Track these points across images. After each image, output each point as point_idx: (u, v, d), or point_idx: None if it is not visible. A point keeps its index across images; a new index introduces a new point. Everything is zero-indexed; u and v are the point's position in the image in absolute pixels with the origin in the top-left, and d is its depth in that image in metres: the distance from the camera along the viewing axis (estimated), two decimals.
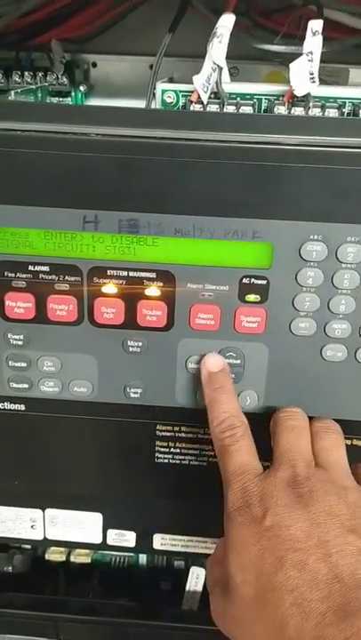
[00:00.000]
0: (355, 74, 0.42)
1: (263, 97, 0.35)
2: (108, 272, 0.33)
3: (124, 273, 0.33)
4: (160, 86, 0.36)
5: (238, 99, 0.35)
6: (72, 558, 0.52)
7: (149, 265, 0.33)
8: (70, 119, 0.30)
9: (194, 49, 0.38)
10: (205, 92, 0.33)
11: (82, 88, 0.44)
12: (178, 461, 0.37)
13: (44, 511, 0.40)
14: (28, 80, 0.42)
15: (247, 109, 0.34)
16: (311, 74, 0.32)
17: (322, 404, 0.35)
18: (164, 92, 0.35)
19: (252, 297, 0.33)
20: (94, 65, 0.45)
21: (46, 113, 0.31)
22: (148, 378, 0.35)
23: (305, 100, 0.33)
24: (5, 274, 0.33)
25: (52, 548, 0.52)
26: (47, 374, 0.36)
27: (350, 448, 0.36)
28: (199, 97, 0.34)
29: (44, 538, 0.41)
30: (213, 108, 0.34)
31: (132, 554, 0.54)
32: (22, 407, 0.37)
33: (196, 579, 0.49)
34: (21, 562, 0.52)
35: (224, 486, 0.31)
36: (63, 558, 0.52)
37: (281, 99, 0.34)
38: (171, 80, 0.42)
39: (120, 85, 0.46)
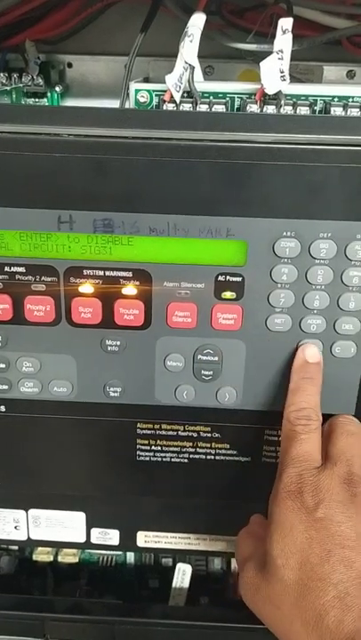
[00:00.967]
0: (329, 71, 0.43)
1: (236, 95, 0.35)
2: (85, 272, 0.33)
3: (101, 272, 0.33)
4: (133, 86, 0.36)
5: (211, 97, 0.35)
6: (59, 558, 0.52)
7: (125, 264, 0.33)
8: (43, 120, 0.30)
9: (169, 48, 0.38)
10: (178, 92, 0.34)
11: (57, 89, 0.44)
12: (159, 459, 0.38)
13: (27, 512, 0.41)
14: (3, 81, 0.42)
15: (220, 108, 0.34)
16: (282, 72, 0.32)
17: None
18: (137, 91, 0.36)
19: (227, 294, 0.33)
20: (69, 65, 0.45)
21: (19, 114, 0.31)
22: (128, 376, 0.35)
23: (277, 98, 0.34)
24: None
25: (40, 549, 0.52)
26: (26, 375, 0.36)
27: None
28: (172, 96, 0.34)
29: (28, 538, 0.41)
30: (186, 107, 0.34)
31: (119, 552, 0.54)
32: (2, 408, 0.37)
33: (182, 575, 0.49)
34: (8, 563, 0.52)
35: (279, 468, 0.32)
36: (50, 559, 0.52)
37: (253, 97, 0.34)
38: (146, 80, 0.42)
39: (96, 85, 0.46)
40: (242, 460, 0.37)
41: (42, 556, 0.52)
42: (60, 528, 0.41)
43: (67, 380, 0.36)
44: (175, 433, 0.37)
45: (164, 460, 0.37)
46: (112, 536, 0.41)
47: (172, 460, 0.37)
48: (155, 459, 0.37)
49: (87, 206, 0.31)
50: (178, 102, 0.34)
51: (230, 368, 0.35)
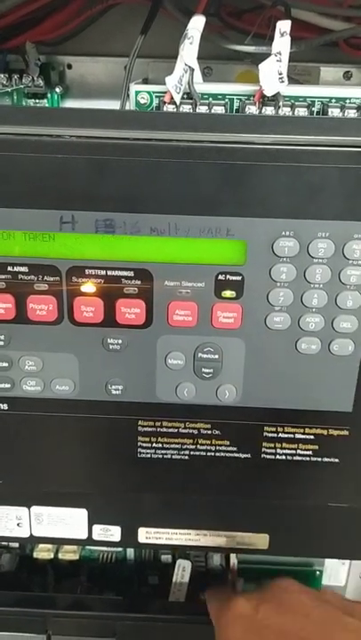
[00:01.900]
0: (326, 72, 0.43)
1: (235, 97, 0.36)
2: (87, 271, 0.33)
3: (102, 272, 0.33)
4: (134, 87, 0.36)
5: (210, 99, 0.35)
6: (60, 556, 0.53)
7: (127, 264, 0.33)
8: (45, 121, 0.31)
9: (168, 50, 0.38)
10: (178, 93, 0.34)
11: (58, 90, 0.44)
12: (160, 456, 0.38)
13: (29, 509, 0.41)
14: (4, 82, 0.42)
15: (219, 109, 0.35)
16: (280, 74, 0.33)
17: (298, 396, 0.36)
18: (137, 93, 0.36)
19: (227, 293, 0.33)
20: (69, 66, 0.46)
21: (21, 115, 0.31)
22: (129, 375, 0.36)
23: (275, 99, 0.34)
24: None
25: (40, 546, 0.52)
26: (29, 374, 0.36)
27: (326, 438, 0.37)
28: (172, 98, 0.34)
29: (31, 535, 0.42)
30: (186, 108, 0.35)
31: (119, 549, 0.55)
32: (5, 407, 0.37)
33: (182, 571, 0.50)
34: (9, 561, 0.53)
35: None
36: (51, 556, 0.52)
37: (252, 98, 0.35)
38: (145, 81, 0.42)
39: (96, 87, 0.46)
40: (242, 456, 0.38)
41: (42, 553, 0.52)
42: (61, 525, 0.41)
43: (69, 378, 0.36)
44: (176, 430, 0.37)
45: (165, 457, 0.38)
46: (114, 532, 0.41)
47: (173, 456, 0.38)
48: (156, 456, 0.38)
49: (89, 207, 0.32)
50: (178, 104, 0.35)
51: (230, 366, 0.35)
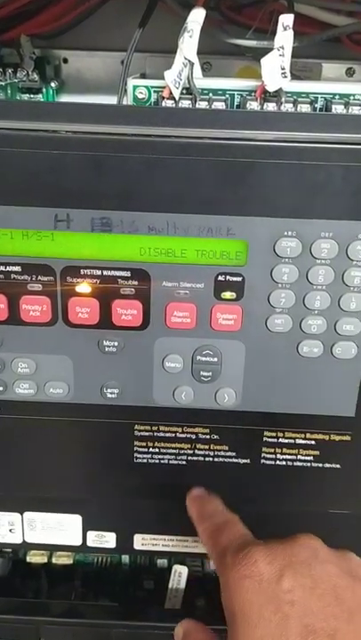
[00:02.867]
0: (327, 69, 0.42)
1: (236, 92, 0.35)
2: (82, 271, 0.32)
3: (98, 272, 0.32)
4: (131, 82, 0.35)
5: (211, 94, 0.35)
6: (54, 560, 0.52)
7: (123, 263, 0.32)
8: (40, 116, 0.30)
9: (166, 44, 0.37)
10: (177, 88, 0.33)
11: (53, 84, 0.43)
12: (157, 461, 0.37)
13: (22, 514, 0.40)
14: None
15: (220, 105, 0.34)
16: (283, 69, 0.32)
17: (299, 400, 0.35)
18: (135, 87, 0.35)
19: (227, 294, 0.33)
20: (65, 61, 0.45)
21: (16, 110, 0.30)
22: (125, 378, 0.35)
23: (277, 95, 0.33)
24: None
25: (34, 550, 0.51)
26: (22, 376, 0.35)
27: (328, 443, 0.36)
28: (171, 93, 0.33)
29: (23, 541, 0.41)
30: (186, 103, 0.34)
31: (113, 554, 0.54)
32: None
33: (178, 577, 0.49)
34: (1, 565, 0.52)
35: (218, 564, 0.30)
36: (45, 560, 0.51)
37: (253, 94, 0.34)
38: (143, 76, 0.41)
39: (92, 81, 0.45)
40: (241, 462, 0.37)
41: (36, 557, 0.51)
42: (55, 531, 0.40)
43: (63, 381, 0.35)
44: (173, 435, 0.36)
45: (161, 462, 0.37)
46: (108, 539, 0.40)
47: (170, 462, 0.37)
48: (152, 461, 0.37)
49: (85, 204, 0.31)
50: (177, 99, 0.34)
51: (230, 369, 0.34)
